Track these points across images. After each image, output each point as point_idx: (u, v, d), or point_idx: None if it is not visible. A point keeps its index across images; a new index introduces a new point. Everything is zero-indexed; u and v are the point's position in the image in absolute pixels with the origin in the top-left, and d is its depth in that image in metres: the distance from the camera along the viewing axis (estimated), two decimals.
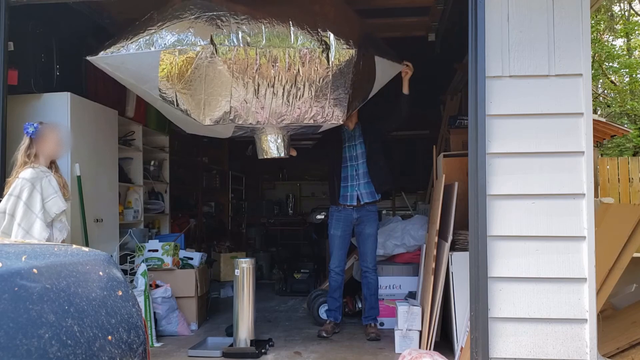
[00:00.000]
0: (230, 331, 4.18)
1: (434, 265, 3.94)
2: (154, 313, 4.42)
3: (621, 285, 4.03)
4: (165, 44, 3.43)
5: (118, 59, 3.50)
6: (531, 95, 3.25)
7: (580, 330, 3.18)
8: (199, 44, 3.39)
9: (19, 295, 1.29)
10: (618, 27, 13.48)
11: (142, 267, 4.39)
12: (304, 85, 3.62)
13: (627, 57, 12.75)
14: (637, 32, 12.97)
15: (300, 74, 3.58)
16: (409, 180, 7.64)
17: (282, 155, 3.99)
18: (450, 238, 3.81)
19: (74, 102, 4.06)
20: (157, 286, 4.54)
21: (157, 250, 4.78)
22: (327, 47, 3.57)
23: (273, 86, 3.57)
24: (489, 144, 3.24)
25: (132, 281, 4.44)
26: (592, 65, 7.94)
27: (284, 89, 3.60)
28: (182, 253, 5.01)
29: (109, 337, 1.47)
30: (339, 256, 4.57)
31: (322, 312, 4.86)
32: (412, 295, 4.59)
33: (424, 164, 6.77)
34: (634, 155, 10.72)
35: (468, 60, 3.33)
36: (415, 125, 7.15)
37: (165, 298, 4.50)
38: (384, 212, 6.59)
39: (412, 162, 8.19)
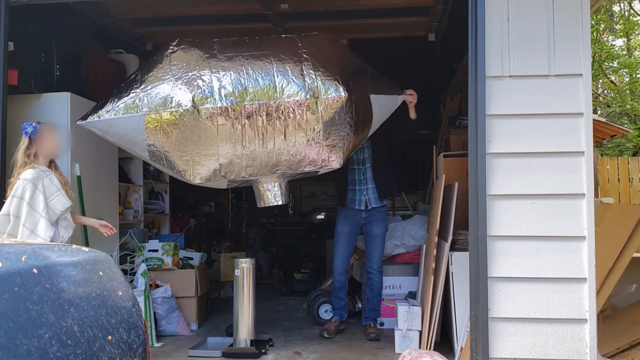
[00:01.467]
0: (230, 331, 4.18)
1: (434, 265, 3.94)
2: (154, 313, 4.42)
3: (621, 285, 4.03)
4: (149, 107, 3.40)
5: (105, 123, 3.49)
6: (531, 95, 3.25)
7: (580, 330, 3.18)
8: (182, 106, 3.36)
9: (19, 295, 1.29)
10: (618, 27, 13.48)
11: (142, 267, 4.39)
12: (295, 136, 3.51)
13: (627, 57, 12.75)
14: (637, 31, 12.97)
15: (290, 125, 3.48)
16: (409, 180, 7.64)
17: (281, 202, 3.91)
18: (450, 238, 3.81)
19: (74, 102, 4.06)
20: (157, 286, 4.54)
21: (157, 250, 4.78)
22: (315, 96, 3.45)
23: (262, 140, 3.49)
24: (489, 144, 3.24)
25: (132, 281, 4.44)
26: (592, 65, 7.94)
27: (274, 142, 3.51)
28: (182, 253, 5.01)
29: (109, 337, 1.47)
30: (342, 255, 4.49)
31: (322, 312, 4.86)
32: (412, 295, 4.59)
33: (424, 164, 6.77)
34: (634, 155, 10.72)
35: (468, 60, 3.33)
36: (415, 125, 7.16)
37: (165, 298, 4.50)
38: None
39: (412, 162, 8.18)
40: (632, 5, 13.10)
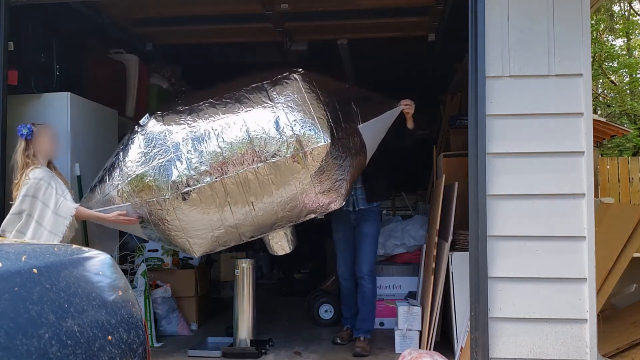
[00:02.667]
0: (230, 331, 4.18)
1: (434, 265, 3.94)
2: (154, 313, 4.42)
3: (621, 285, 4.03)
4: (134, 198, 3.31)
5: (97, 215, 3.41)
6: (531, 95, 3.25)
7: (580, 330, 3.18)
8: (164, 195, 3.24)
9: (19, 295, 1.29)
10: (618, 26, 13.48)
11: (142, 267, 4.39)
12: (285, 193, 3.32)
13: (627, 56, 12.75)
14: (637, 31, 12.97)
15: (276, 184, 3.28)
16: (409, 180, 7.63)
17: (289, 251, 3.75)
18: (450, 238, 3.81)
19: (74, 102, 4.06)
20: (157, 286, 4.54)
21: (157, 250, 4.78)
22: (297, 149, 3.21)
23: (252, 205, 3.32)
24: (489, 144, 3.24)
25: (132, 281, 4.44)
26: (592, 65, 7.95)
27: (264, 204, 3.33)
28: (182, 253, 5.01)
29: (109, 337, 1.47)
30: (344, 261, 4.22)
31: (322, 312, 4.86)
32: (412, 295, 4.58)
33: (424, 164, 6.77)
34: (634, 155, 10.72)
35: (468, 60, 3.33)
36: (415, 126, 7.15)
37: (165, 298, 4.50)
38: (384, 212, 6.58)
39: (412, 162, 8.17)
40: (632, 5, 13.10)
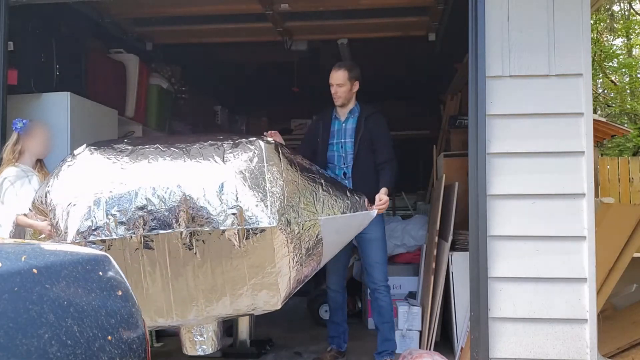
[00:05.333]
0: (230, 331, 4.18)
1: (434, 265, 3.94)
2: None
3: (621, 285, 4.02)
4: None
5: None
6: (531, 95, 3.25)
7: (581, 330, 3.18)
8: (73, 239, 2.65)
9: (19, 295, 1.28)
10: (617, 26, 13.48)
11: None
12: (210, 273, 2.72)
13: (626, 56, 12.75)
14: (637, 31, 12.97)
15: (202, 259, 2.68)
16: (409, 180, 7.64)
17: (209, 352, 3.05)
18: (450, 238, 3.81)
19: (74, 102, 4.06)
20: None
21: None
22: (236, 223, 2.61)
23: (167, 278, 2.71)
24: (489, 144, 3.24)
25: None
26: (592, 65, 7.95)
27: (181, 282, 2.73)
28: None
29: (109, 337, 1.47)
30: (336, 269, 3.72)
31: (322, 312, 4.86)
32: (412, 295, 4.59)
33: (424, 164, 6.77)
34: (634, 155, 10.72)
35: (468, 60, 3.33)
36: (416, 125, 7.16)
37: None
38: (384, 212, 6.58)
39: (412, 162, 8.19)
40: (632, 5, 13.10)
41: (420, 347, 3.86)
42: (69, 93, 4.03)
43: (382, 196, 3.41)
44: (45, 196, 2.87)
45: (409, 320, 3.94)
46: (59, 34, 4.31)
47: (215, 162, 2.77)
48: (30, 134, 3.29)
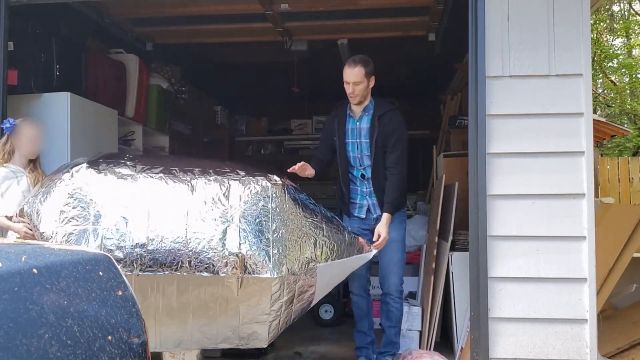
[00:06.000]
0: None
1: (434, 265, 3.94)
2: None
3: (621, 285, 4.03)
4: None
5: None
6: (531, 95, 3.25)
7: (581, 330, 3.18)
8: None
9: (19, 295, 1.28)
10: (617, 26, 13.48)
11: None
12: (203, 314, 2.69)
13: (626, 56, 12.75)
14: (637, 31, 12.97)
15: (199, 302, 2.65)
16: (409, 181, 7.64)
17: None
18: (450, 238, 3.81)
19: (74, 102, 4.06)
20: None
21: None
22: (236, 270, 2.58)
23: (158, 319, 2.68)
24: (489, 144, 3.24)
25: None
26: (592, 65, 7.95)
27: (174, 324, 2.71)
28: None
29: (109, 337, 1.47)
30: (356, 275, 3.45)
31: (322, 312, 4.86)
32: (412, 295, 4.59)
33: (424, 164, 6.77)
34: (634, 155, 10.72)
35: (468, 60, 3.33)
36: (416, 125, 7.15)
37: None
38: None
39: (412, 162, 8.18)
40: (632, 5, 13.10)
41: (420, 347, 3.86)
42: (69, 93, 4.03)
43: (380, 230, 3.26)
44: (37, 214, 2.73)
45: (409, 320, 3.94)
46: (59, 34, 4.31)
47: (221, 203, 2.70)
48: (19, 134, 3.25)
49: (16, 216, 2.97)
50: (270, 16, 4.48)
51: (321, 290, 3.01)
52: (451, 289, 3.79)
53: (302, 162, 3.39)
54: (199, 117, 7.30)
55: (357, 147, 3.51)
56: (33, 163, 3.33)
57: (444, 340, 4.06)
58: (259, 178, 2.82)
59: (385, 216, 3.32)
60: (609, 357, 3.68)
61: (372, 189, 3.51)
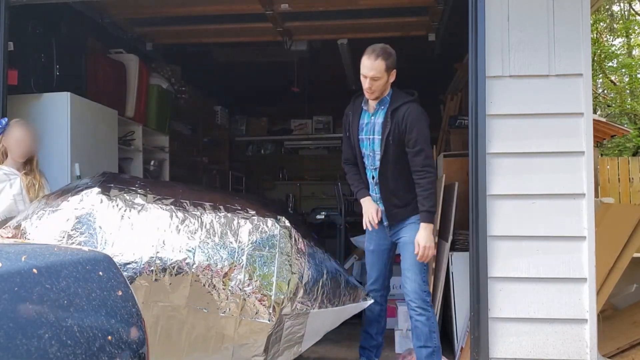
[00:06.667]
0: None
1: (434, 265, 3.94)
2: None
3: (621, 285, 4.03)
4: None
5: None
6: (531, 95, 3.25)
7: (581, 331, 3.18)
8: None
9: (19, 295, 1.28)
10: (617, 26, 13.48)
11: None
12: (197, 348, 2.74)
13: (626, 56, 12.75)
14: (637, 31, 12.97)
15: (196, 334, 2.70)
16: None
17: None
18: (450, 238, 3.81)
19: (74, 102, 4.06)
20: None
21: None
22: (237, 311, 2.65)
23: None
24: (489, 144, 3.24)
25: None
26: (592, 65, 7.95)
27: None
28: None
29: (109, 337, 1.47)
30: (374, 277, 3.31)
31: None
32: None
33: None
34: (634, 155, 10.72)
35: (468, 60, 3.33)
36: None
37: None
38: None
39: None
40: (632, 5, 13.10)
41: None
42: (69, 93, 4.03)
43: (419, 239, 2.99)
44: (37, 230, 2.68)
45: (409, 320, 3.93)
46: (59, 34, 4.31)
47: (230, 242, 2.74)
48: (9, 135, 3.17)
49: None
50: (270, 16, 4.48)
51: (310, 336, 3.00)
52: (451, 289, 3.79)
53: (374, 209, 3.12)
54: (199, 117, 7.30)
55: (370, 144, 3.14)
56: (29, 165, 3.24)
57: (444, 340, 4.05)
58: (268, 219, 2.86)
59: (423, 226, 3.01)
60: (609, 357, 3.68)
61: (379, 194, 3.18)
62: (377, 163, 3.11)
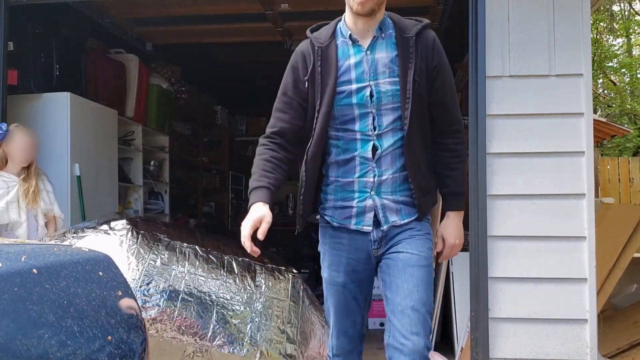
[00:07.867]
0: None
1: (434, 265, 3.93)
2: None
3: (622, 285, 4.03)
4: None
5: None
6: (531, 95, 3.24)
7: (581, 331, 3.18)
8: None
9: (19, 295, 1.28)
10: (617, 26, 13.49)
11: None
12: None
13: (626, 56, 12.76)
14: (637, 31, 12.98)
15: None
16: None
17: None
18: None
19: (74, 102, 4.06)
20: None
21: None
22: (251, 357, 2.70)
23: None
24: (489, 144, 3.24)
25: None
26: (592, 65, 7.95)
27: None
28: None
29: (109, 337, 1.47)
30: (348, 329, 2.22)
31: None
32: None
33: None
34: (634, 155, 10.72)
35: (468, 60, 3.33)
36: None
37: None
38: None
39: None
40: (632, 5, 13.11)
41: None
42: (69, 93, 4.04)
43: (449, 234, 2.14)
44: None
45: None
46: (59, 34, 4.31)
47: (248, 285, 2.86)
48: (11, 141, 3.14)
49: None
50: (270, 16, 4.48)
51: None
52: (451, 289, 3.79)
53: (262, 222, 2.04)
54: (199, 117, 7.31)
55: (370, 95, 1.94)
56: (27, 170, 3.20)
57: (444, 340, 4.05)
58: (284, 271, 3.03)
59: (455, 215, 2.16)
60: (609, 357, 3.68)
61: (393, 172, 1.97)
62: (391, 123, 1.94)
